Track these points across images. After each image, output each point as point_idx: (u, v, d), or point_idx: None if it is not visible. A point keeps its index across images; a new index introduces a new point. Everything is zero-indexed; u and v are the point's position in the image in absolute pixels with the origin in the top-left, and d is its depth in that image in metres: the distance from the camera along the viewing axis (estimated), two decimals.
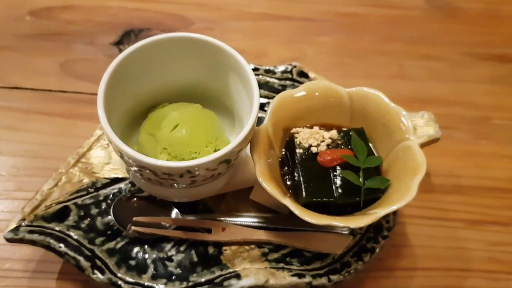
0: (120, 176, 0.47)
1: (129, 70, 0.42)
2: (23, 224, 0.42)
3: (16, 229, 0.41)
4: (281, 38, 0.62)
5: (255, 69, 0.53)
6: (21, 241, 0.41)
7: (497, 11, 0.66)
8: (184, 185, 0.40)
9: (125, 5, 0.63)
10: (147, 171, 0.37)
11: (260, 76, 0.53)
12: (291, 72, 0.53)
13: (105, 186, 0.46)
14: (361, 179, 0.42)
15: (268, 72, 0.53)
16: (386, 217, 0.46)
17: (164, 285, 0.42)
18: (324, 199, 0.41)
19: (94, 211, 0.45)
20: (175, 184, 0.39)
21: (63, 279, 0.45)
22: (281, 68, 0.54)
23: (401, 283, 0.47)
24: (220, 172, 0.40)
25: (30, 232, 0.41)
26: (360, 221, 0.38)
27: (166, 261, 0.43)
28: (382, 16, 0.65)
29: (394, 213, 0.46)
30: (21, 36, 0.60)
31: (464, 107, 0.58)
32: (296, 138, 0.44)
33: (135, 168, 0.38)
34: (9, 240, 0.41)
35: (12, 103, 0.55)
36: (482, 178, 0.53)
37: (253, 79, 0.40)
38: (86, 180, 0.46)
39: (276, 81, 0.53)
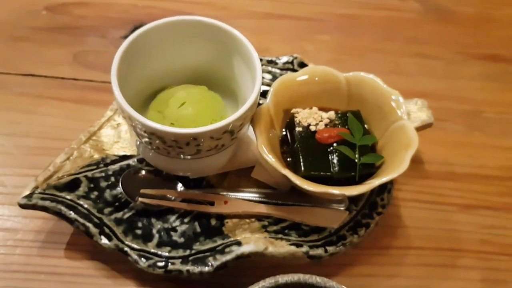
0: (128, 153, 0.49)
1: (140, 51, 0.45)
2: (36, 191, 0.44)
3: (29, 196, 0.44)
4: (283, 36, 0.66)
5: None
6: (34, 207, 0.44)
7: (489, 15, 0.69)
8: (190, 155, 0.42)
9: (135, 3, 0.67)
10: (156, 139, 0.40)
11: (263, 67, 0.56)
12: (292, 63, 0.56)
13: (114, 162, 0.48)
14: (356, 155, 0.44)
15: (270, 62, 0.56)
16: (380, 195, 0.48)
17: (168, 253, 0.44)
18: (322, 173, 0.44)
19: (103, 184, 0.47)
20: (182, 155, 0.42)
21: (71, 249, 0.47)
22: (283, 59, 0.56)
23: (395, 260, 0.48)
24: (223, 144, 0.42)
25: (43, 199, 0.44)
26: (355, 189, 0.40)
27: (170, 231, 0.45)
28: (379, 17, 0.68)
29: (389, 191, 0.48)
30: (36, 29, 0.63)
31: (457, 101, 0.60)
32: (296, 117, 0.47)
33: (145, 137, 0.41)
34: (22, 205, 0.44)
35: (26, 89, 0.58)
36: (475, 167, 0.55)
37: (256, 57, 0.43)
38: (96, 156, 0.48)
39: (278, 71, 0.56)
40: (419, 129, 0.50)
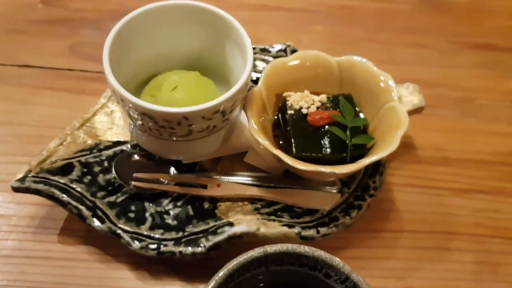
0: (122, 139, 0.50)
1: (132, 34, 0.45)
2: (29, 175, 0.44)
3: (22, 179, 0.44)
4: (277, 27, 0.66)
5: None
6: (27, 190, 0.44)
7: (482, 5, 0.69)
8: (182, 137, 0.42)
9: None
10: (148, 120, 0.40)
11: (257, 55, 0.57)
12: (285, 51, 0.56)
13: (107, 148, 0.49)
14: (348, 136, 0.44)
15: (263, 50, 0.57)
16: (372, 178, 0.48)
17: (160, 235, 0.44)
18: (313, 154, 0.44)
19: (96, 168, 0.47)
20: (174, 136, 0.42)
21: (65, 234, 0.47)
22: (277, 47, 0.57)
23: (388, 243, 0.48)
24: (215, 125, 0.42)
25: (36, 182, 0.44)
26: (345, 167, 0.41)
27: (163, 214, 0.45)
28: (372, 8, 0.68)
29: (381, 174, 0.49)
30: (32, 21, 0.64)
31: (450, 88, 0.61)
32: (288, 100, 0.47)
33: (138, 119, 0.41)
34: (15, 189, 0.44)
35: (23, 79, 0.58)
36: (468, 152, 0.55)
37: (247, 39, 0.44)
38: (89, 142, 0.49)
39: (271, 59, 0.56)
40: (410, 113, 0.50)
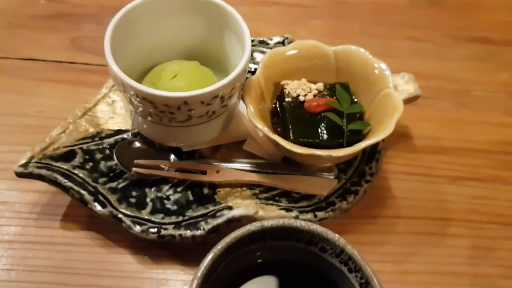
0: (123, 128, 0.51)
1: (132, 24, 0.46)
2: (32, 161, 0.45)
3: (25, 165, 0.45)
4: (275, 22, 0.67)
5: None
6: (30, 175, 0.45)
7: (477, 0, 0.71)
8: (182, 122, 0.43)
9: None
10: (148, 105, 0.41)
11: (255, 47, 0.58)
12: (283, 43, 0.58)
13: (109, 136, 0.50)
14: (344, 122, 0.45)
15: (262, 43, 0.58)
16: (369, 164, 0.49)
17: (161, 219, 0.45)
18: (310, 140, 0.45)
19: (98, 156, 0.48)
20: (174, 121, 0.43)
21: (67, 220, 0.48)
22: (275, 39, 0.58)
23: (385, 229, 0.49)
24: (214, 111, 0.43)
25: (38, 167, 0.45)
26: (341, 151, 0.42)
27: (164, 200, 0.46)
28: (369, 3, 0.69)
29: (377, 160, 0.49)
30: (35, 16, 0.65)
31: (446, 81, 0.62)
32: (285, 88, 0.48)
33: (138, 105, 0.42)
34: (18, 174, 0.45)
35: (25, 72, 0.59)
36: (464, 141, 0.56)
37: (245, 27, 0.45)
38: (91, 130, 0.50)
39: (269, 50, 0.57)
40: (406, 101, 0.51)
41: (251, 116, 0.44)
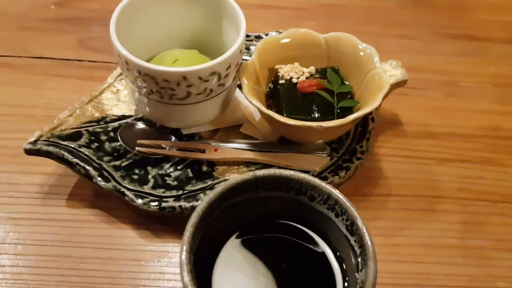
0: (127, 114, 0.53)
1: (134, 13, 0.50)
2: (41, 139, 0.48)
3: (34, 142, 0.48)
4: (271, 22, 0.71)
5: (246, 36, 0.61)
6: (38, 152, 0.47)
7: (461, 2, 0.74)
8: (181, 99, 0.46)
9: None
10: (150, 81, 0.44)
11: (252, 42, 0.61)
12: None
13: (113, 120, 0.53)
14: (334, 100, 0.48)
15: (258, 37, 0.61)
16: (360, 143, 0.51)
17: (162, 193, 0.47)
18: (302, 117, 0.47)
19: (103, 137, 0.51)
20: (174, 99, 0.46)
21: (72, 199, 0.50)
22: (271, 34, 0.61)
23: (376, 206, 0.51)
24: (212, 89, 0.46)
25: (47, 145, 0.48)
26: (331, 122, 0.44)
27: (165, 177, 0.49)
28: (359, 6, 0.73)
29: (368, 139, 0.52)
30: (45, 20, 0.69)
31: (435, 73, 0.64)
32: (279, 72, 0.51)
33: (141, 83, 0.45)
34: (27, 151, 0.48)
35: (35, 69, 0.63)
36: (452, 127, 0.58)
37: (239, 12, 0.48)
38: (97, 115, 0.53)
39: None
40: (394, 86, 0.54)
41: (247, 93, 0.47)
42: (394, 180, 0.53)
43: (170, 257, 0.47)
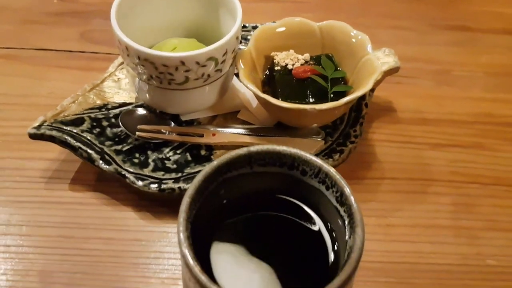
0: (128, 101, 0.55)
1: (135, 4, 0.51)
2: (44, 124, 0.50)
3: (38, 127, 0.49)
4: (270, 15, 0.72)
5: (244, 26, 0.63)
6: (42, 136, 0.49)
7: None
8: (180, 84, 0.47)
9: None
10: (150, 66, 0.46)
11: (249, 32, 0.63)
12: None
13: (114, 107, 0.54)
14: (328, 85, 0.50)
15: (255, 28, 0.63)
16: (353, 128, 0.53)
17: (162, 176, 0.49)
18: (297, 102, 0.49)
19: (104, 123, 0.52)
20: (173, 84, 0.47)
21: (75, 183, 0.52)
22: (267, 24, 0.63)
23: (370, 188, 0.53)
24: (209, 74, 0.48)
25: (50, 129, 0.49)
26: (325, 104, 0.46)
27: (164, 160, 0.50)
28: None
29: (361, 124, 0.53)
30: (48, 13, 0.71)
31: (428, 62, 0.66)
32: (275, 59, 0.53)
33: (141, 69, 0.47)
34: (31, 135, 0.49)
35: (38, 60, 0.64)
36: (444, 113, 0.60)
37: (237, 3, 0.50)
38: (98, 102, 0.54)
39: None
40: (387, 73, 0.55)
41: (243, 78, 0.48)
42: (387, 164, 0.55)
43: (170, 238, 0.48)
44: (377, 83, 0.56)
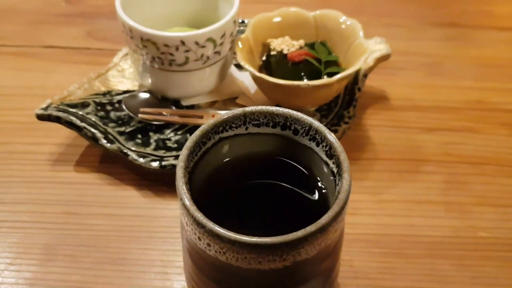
0: (131, 89, 0.58)
1: None
2: (51, 105, 0.52)
3: (45, 108, 0.52)
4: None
5: (242, 22, 0.66)
6: (49, 117, 0.52)
7: None
8: (180, 66, 0.50)
9: None
10: (151, 45, 0.48)
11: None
12: None
13: (118, 94, 0.57)
14: (322, 68, 0.52)
15: None
16: (347, 109, 0.55)
17: (163, 154, 0.51)
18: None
19: (108, 108, 0.55)
20: (174, 65, 0.50)
21: (80, 165, 0.54)
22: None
23: (364, 168, 0.54)
24: (208, 56, 0.50)
25: (57, 110, 0.52)
26: (318, 81, 0.48)
27: (166, 141, 0.52)
28: (349, 0, 0.78)
29: (354, 106, 0.56)
30: (56, 15, 0.74)
31: (420, 56, 0.68)
32: (271, 45, 0.55)
33: (144, 50, 0.49)
34: (39, 116, 0.52)
35: (47, 56, 0.67)
36: (436, 101, 0.62)
37: None
38: (103, 89, 0.57)
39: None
40: (379, 59, 0.58)
41: (240, 59, 0.51)
42: (381, 147, 0.57)
43: (171, 213, 0.50)
44: (370, 69, 0.58)
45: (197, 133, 0.36)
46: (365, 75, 0.58)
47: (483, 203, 0.52)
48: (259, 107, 0.37)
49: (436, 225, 0.50)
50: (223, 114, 0.37)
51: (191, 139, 0.35)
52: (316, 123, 0.36)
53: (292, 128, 0.38)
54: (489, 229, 0.50)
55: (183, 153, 0.34)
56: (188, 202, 0.31)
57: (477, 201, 0.52)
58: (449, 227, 0.50)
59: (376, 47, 0.58)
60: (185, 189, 0.32)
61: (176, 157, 0.50)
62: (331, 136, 0.35)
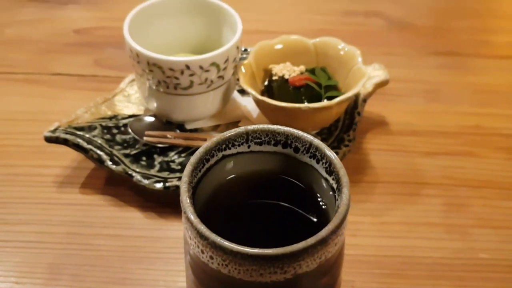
0: (136, 113, 0.59)
1: (142, 23, 0.56)
2: (59, 128, 0.54)
3: (53, 131, 0.53)
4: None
5: (245, 50, 0.68)
6: (56, 139, 0.53)
7: (444, 26, 0.81)
8: (185, 89, 0.52)
9: None
10: (157, 69, 0.50)
11: None
12: None
13: (124, 118, 0.58)
14: (322, 92, 0.54)
15: None
16: (347, 133, 0.56)
17: (167, 175, 0.52)
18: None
19: (114, 131, 0.56)
20: (179, 89, 0.52)
21: (85, 187, 0.55)
22: None
23: (365, 191, 0.55)
24: (212, 80, 0.52)
25: (64, 133, 0.53)
26: (318, 104, 0.50)
27: (170, 163, 0.54)
28: (349, 31, 0.80)
29: (354, 130, 0.57)
30: (65, 44, 0.76)
31: (418, 83, 0.70)
32: (273, 70, 0.57)
33: (150, 74, 0.51)
34: (47, 138, 0.53)
35: (54, 83, 0.69)
36: (435, 126, 0.63)
37: (237, 18, 0.55)
38: (109, 113, 0.58)
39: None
40: (378, 85, 0.60)
41: (243, 83, 0.52)
42: (381, 170, 0.58)
43: (174, 234, 0.51)
44: (369, 94, 0.60)
45: (201, 150, 0.37)
46: (365, 100, 0.59)
47: (483, 225, 0.52)
48: (261, 126, 0.39)
49: (436, 246, 0.50)
50: (226, 132, 0.38)
51: (195, 155, 0.36)
52: (316, 141, 0.37)
53: (293, 146, 0.39)
54: (490, 250, 0.50)
55: (188, 168, 0.35)
56: (191, 215, 0.32)
57: (477, 223, 0.52)
58: (449, 249, 0.50)
59: (375, 73, 0.60)
60: (189, 202, 0.33)
61: (180, 178, 0.51)
62: (331, 153, 0.36)
